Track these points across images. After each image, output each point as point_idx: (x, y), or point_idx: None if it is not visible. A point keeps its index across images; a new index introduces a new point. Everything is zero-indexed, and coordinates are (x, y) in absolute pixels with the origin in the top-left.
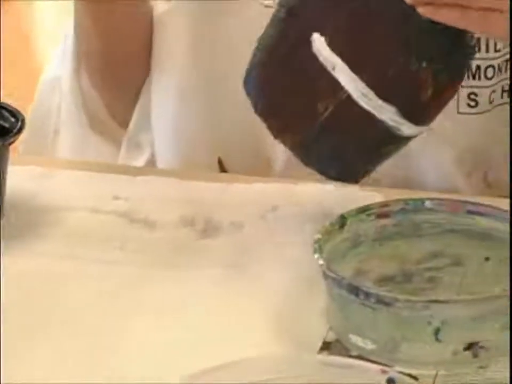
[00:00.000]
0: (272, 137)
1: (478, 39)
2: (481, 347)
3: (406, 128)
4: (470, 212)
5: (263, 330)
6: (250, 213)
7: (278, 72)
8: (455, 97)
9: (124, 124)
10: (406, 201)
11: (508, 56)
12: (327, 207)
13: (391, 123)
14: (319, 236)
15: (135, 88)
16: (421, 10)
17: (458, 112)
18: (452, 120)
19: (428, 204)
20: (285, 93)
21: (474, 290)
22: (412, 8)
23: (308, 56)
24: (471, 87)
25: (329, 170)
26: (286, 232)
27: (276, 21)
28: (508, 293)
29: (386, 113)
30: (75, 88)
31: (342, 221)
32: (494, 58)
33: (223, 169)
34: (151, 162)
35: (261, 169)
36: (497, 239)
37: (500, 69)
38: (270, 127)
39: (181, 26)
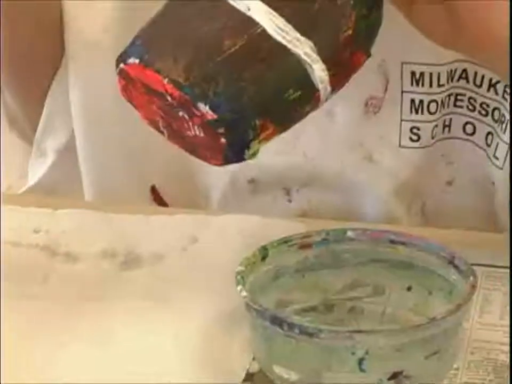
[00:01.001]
0: (208, 166)
1: (422, 74)
2: (406, 376)
3: (318, 67)
4: (392, 241)
5: (187, 361)
6: (171, 244)
7: (168, 28)
8: (397, 130)
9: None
10: (327, 231)
11: (451, 91)
12: (249, 238)
13: (304, 57)
14: (241, 267)
15: (42, 88)
16: None
17: (400, 146)
18: (393, 153)
19: (349, 234)
20: (179, 42)
21: (397, 319)
22: None
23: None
24: (414, 121)
25: (224, 107)
26: (208, 264)
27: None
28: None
29: (301, 47)
30: None
31: (264, 252)
32: (437, 93)
33: (157, 198)
34: (53, 168)
35: (198, 197)
36: (420, 268)
37: (443, 104)
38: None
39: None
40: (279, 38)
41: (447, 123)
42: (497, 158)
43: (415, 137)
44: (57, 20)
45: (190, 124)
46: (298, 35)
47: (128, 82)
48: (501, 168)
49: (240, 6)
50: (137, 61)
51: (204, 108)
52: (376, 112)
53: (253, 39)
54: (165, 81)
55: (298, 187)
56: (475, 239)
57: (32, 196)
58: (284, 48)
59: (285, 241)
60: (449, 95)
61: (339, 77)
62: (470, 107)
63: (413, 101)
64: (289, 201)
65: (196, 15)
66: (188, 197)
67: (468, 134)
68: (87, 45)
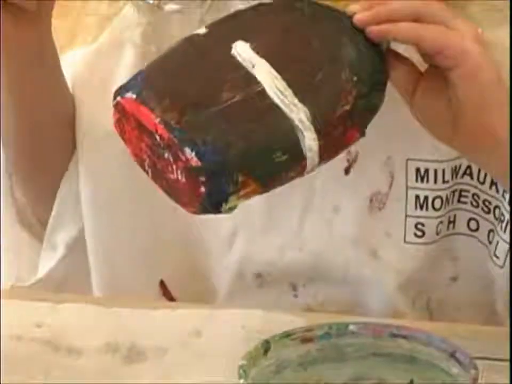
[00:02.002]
0: (215, 260)
1: (427, 170)
2: None
3: (309, 135)
4: (393, 335)
5: None
6: (174, 339)
7: (171, 70)
8: (402, 226)
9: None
10: (329, 325)
11: (455, 187)
12: (253, 333)
13: (297, 123)
14: (243, 361)
15: (52, 184)
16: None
17: (405, 241)
18: (398, 248)
19: (351, 327)
20: (178, 84)
21: None
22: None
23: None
24: (419, 217)
25: (209, 157)
26: (210, 358)
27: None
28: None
29: (297, 112)
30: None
31: (266, 346)
32: (442, 189)
33: (166, 292)
34: (63, 261)
35: (205, 291)
36: (421, 361)
37: (447, 200)
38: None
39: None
40: (276, 100)
41: (451, 219)
42: (497, 257)
43: (419, 233)
44: (71, 112)
45: (174, 167)
46: (296, 100)
47: (122, 116)
48: (501, 267)
49: (246, 62)
50: (134, 96)
51: (189, 153)
52: (381, 208)
53: (251, 96)
54: (157, 120)
55: (304, 282)
56: (476, 332)
57: (34, 290)
58: (280, 110)
59: (287, 335)
60: (453, 191)
61: (329, 149)
62: (474, 203)
63: (417, 197)
64: (295, 296)
65: (201, 62)
66: (196, 290)
67: (472, 230)
68: (100, 137)
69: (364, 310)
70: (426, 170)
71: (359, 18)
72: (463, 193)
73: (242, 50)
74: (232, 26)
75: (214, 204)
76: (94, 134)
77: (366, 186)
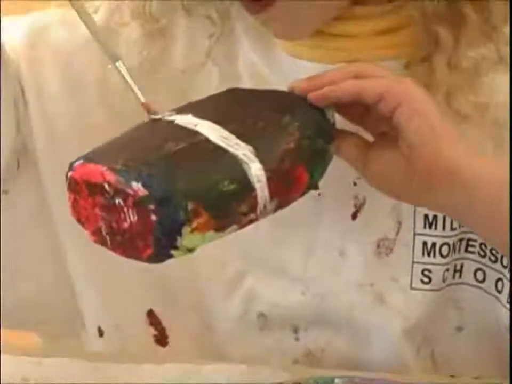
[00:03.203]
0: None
1: (435, 217)
2: None
3: (255, 166)
4: None
5: None
6: None
7: (119, 141)
8: (409, 272)
9: None
10: (315, 379)
11: (463, 236)
12: None
13: (242, 157)
14: None
15: None
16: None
17: (411, 288)
18: (404, 294)
19: (337, 381)
20: (124, 146)
21: None
22: None
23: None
24: (426, 263)
25: (156, 185)
26: None
27: None
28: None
29: (241, 150)
30: None
31: None
32: (449, 237)
33: (154, 321)
34: None
35: (201, 327)
36: None
37: (454, 248)
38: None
39: None
40: (221, 144)
41: (458, 268)
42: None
43: (426, 280)
44: None
45: (125, 209)
46: (239, 141)
47: (75, 194)
48: None
49: (189, 124)
50: (81, 161)
51: (136, 185)
52: (388, 254)
53: (195, 143)
54: (104, 169)
55: (307, 326)
56: None
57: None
58: (224, 150)
59: None
60: (460, 240)
61: (278, 185)
62: (481, 253)
63: (425, 243)
64: (297, 339)
65: (147, 134)
66: (191, 325)
67: (478, 281)
68: None
69: (366, 358)
70: (435, 217)
71: (300, 86)
72: (471, 243)
73: (184, 119)
74: (186, 107)
75: (167, 235)
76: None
77: (373, 232)
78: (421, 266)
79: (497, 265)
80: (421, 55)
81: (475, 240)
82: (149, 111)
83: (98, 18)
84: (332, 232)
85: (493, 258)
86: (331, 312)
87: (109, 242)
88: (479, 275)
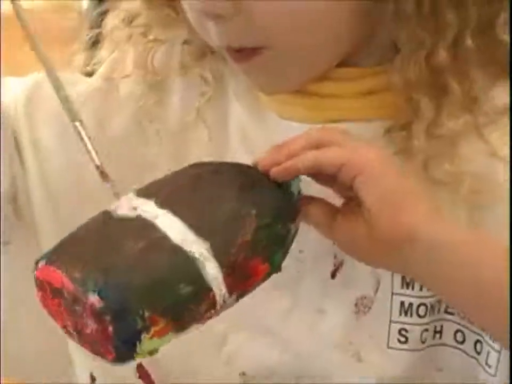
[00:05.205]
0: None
1: (412, 279)
2: None
3: (210, 265)
4: None
5: None
6: None
7: (80, 235)
8: (386, 331)
9: None
10: None
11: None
12: None
13: (197, 256)
14: None
15: None
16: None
17: (389, 347)
18: (381, 353)
19: None
20: (83, 242)
21: None
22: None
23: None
24: (403, 323)
25: (111, 295)
26: None
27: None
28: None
29: (197, 248)
30: None
31: None
32: (426, 297)
33: (143, 373)
34: None
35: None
36: None
37: (432, 308)
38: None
39: None
40: (178, 241)
41: (438, 329)
42: (489, 366)
43: (403, 339)
44: None
45: (85, 316)
46: (196, 238)
47: (42, 291)
48: (494, 375)
49: (148, 214)
50: (44, 261)
51: (93, 297)
52: (366, 312)
53: (153, 241)
54: (63, 275)
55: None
56: None
57: None
58: (181, 249)
59: None
60: (439, 301)
61: (236, 280)
62: (461, 314)
63: (402, 303)
64: None
65: (108, 227)
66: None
67: (458, 342)
68: None
69: None
70: (412, 279)
71: (261, 163)
72: None
73: (146, 207)
74: (149, 189)
75: (126, 343)
76: None
77: (351, 291)
78: (398, 326)
79: (476, 327)
80: (400, 121)
81: None
82: (104, 177)
83: (102, 69)
84: (311, 291)
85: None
86: (311, 370)
87: (76, 339)
88: (459, 336)
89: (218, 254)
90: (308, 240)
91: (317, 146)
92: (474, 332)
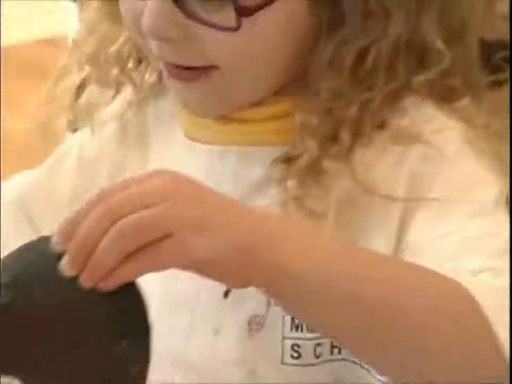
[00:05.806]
0: None
1: None
2: None
3: None
4: None
5: None
6: None
7: None
8: (280, 347)
9: None
10: None
11: None
12: None
13: None
14: None
15: None
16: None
17: (282, 363)
18: (275, 369)
19: None
20: None
21: None
22: None
23: None
24: (295, 338)
25: None
26: None
27: None
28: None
29: None
30: None
31: None
32: None
33: None
34: None
35: None
36: None
37: None
38: None
39: None
40: None
41: (335, 344)
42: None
43: (296, 355)
44: None
45: None
46: None
47: None
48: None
49: None
50: None
51: None
52: (260, 330)
53: None
54: None
55: None
56: None
57: None
58: None
59: None
60: None
61: None
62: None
63: (293, 319)
64: None
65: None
66: None
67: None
68: None
69: None
70: None
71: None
72: None
73: None
74: None
75: None
76: None
77: (244, 310)
78: (291, 342)
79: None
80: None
81: None
82: None
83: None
84: (207, 312)
85: None
86: None
87: None
88: None
89: None
90: None
91: (112, 220)
92: None
